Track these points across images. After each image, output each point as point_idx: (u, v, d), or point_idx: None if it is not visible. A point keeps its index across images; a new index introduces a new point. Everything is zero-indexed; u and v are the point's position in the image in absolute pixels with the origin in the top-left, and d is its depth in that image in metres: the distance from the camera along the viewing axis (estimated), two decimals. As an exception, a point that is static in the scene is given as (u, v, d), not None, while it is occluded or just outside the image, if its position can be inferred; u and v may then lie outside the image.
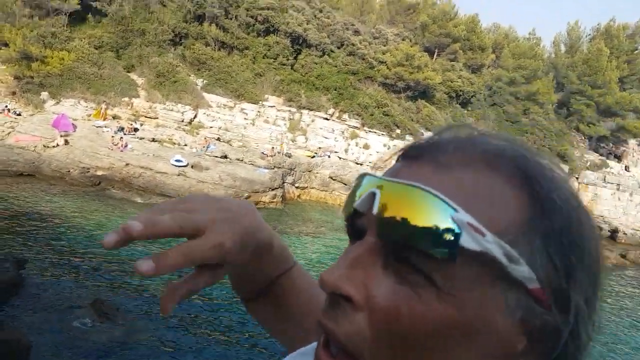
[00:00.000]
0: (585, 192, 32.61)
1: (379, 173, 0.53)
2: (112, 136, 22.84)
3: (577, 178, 32.77)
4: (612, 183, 33.20)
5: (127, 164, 21.84)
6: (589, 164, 34.13)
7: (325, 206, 25.43)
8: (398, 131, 29.68)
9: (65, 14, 27.01)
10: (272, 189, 22.75)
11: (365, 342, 0.46)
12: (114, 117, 24.90)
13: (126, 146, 22.53)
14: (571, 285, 0.46)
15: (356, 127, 29.41)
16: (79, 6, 27.20)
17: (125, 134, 23.53)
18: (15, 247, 13.81)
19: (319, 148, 27.80)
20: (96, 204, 18.94)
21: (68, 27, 27.03)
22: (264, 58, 30.04)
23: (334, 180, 26.29)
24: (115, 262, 14.28)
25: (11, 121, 22.00)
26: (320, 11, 32.19)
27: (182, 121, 26.34)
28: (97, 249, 14.91)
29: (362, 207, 0.50)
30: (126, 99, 25.86)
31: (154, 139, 24.34)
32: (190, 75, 27.92)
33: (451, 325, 0.45)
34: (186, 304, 13.39)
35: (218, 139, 26.17)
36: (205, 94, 27.66)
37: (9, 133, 21.44)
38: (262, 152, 25.44)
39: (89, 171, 21.22)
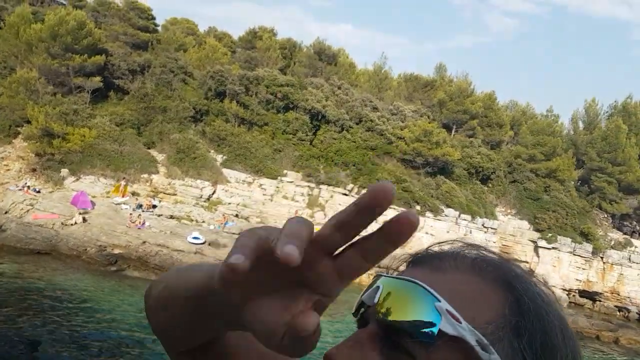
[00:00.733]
0: (610, 271, 31.49)
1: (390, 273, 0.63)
2: (131, 214, 22.50)
3: (601, 257, 31.76)
4: (637, 263, 32.07)
5: (143, 242, 21.37)
6: (613, 242, 33.13)
7: (345, 285, 24.56)
8: (418, 207, 29.13)
9: (88, 92, 27.49)
10: (291, 268, 21.99)
11: None
12: (133, 194, 24.66)
13: (144, 224, 22.14)
14: None
15: (375, 204, 28.93)
16: (101, 84, 27.77)
17: (143, 211, 23.19)
18: (30, 327, 13.36)
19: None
20: (112, 284, 18.41)
21: (90, 105, 27.43)
22: (283, 134, 30.16)
23: (353, 258, 25.52)
24: (130, 344, 13.65)
25: (31, 199, 21.81)
26: (339, 88, 32.65)
27: (201, 197, 26.04)
28: (113, 332, 14.32)
29: (368, 300, 0.59)
30: (145, 175, 25.73)
31: (172, 215, 23.98)
32: (210, 151, 27.94)
33: None
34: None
35: (236, 215, 25.74)
36: (224, 170, 27.54)
37: (28, 210, 21.20)
38: (281, 230, 24.88)
39: (105, 249, 20.74)
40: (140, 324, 15.18)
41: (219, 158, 28.04)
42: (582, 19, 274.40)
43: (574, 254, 30.96)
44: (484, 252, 0.61)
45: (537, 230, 31.56)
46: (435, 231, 28.82)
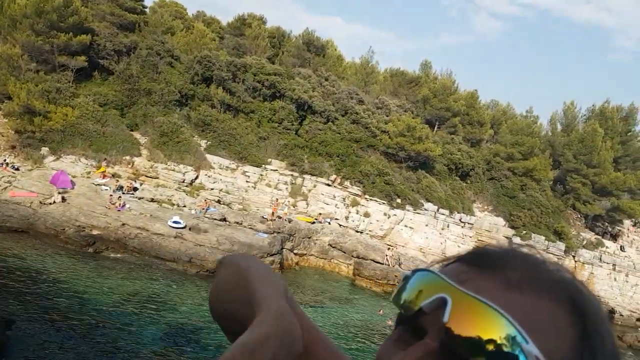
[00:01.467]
0: (581, 270, 32.35)
1: (437, 269, 0.57)
2: (111, 195, 22.33)
3: (573, 256, 32.61)
4: (608, 263, 33.04)
5: (123, 224, 21.21)
6: (585, 242, 34.05)
7: (323, 274, 24.80)
8: (399, 200, 29.54)
9: (72, 71, 27.05)
10: (271, 255, 22.12)
11: None
12: (114, 176, 24.47)
13: (124, 206, 21.98)
14: None
15: (357, 195, 29.25)
16: (86, 63, 27.35)
17: (124, 193, 23.04)
18: (4, 306, 13.23)
19: (320, 214, 27.44)
20: (88, 265, 18.26)
21: (74, 84, 27.03)
22: (269, 122, 30.21)
23: (333, 247, 25.79)
24: (107, 326, 13.65)
25: (9, 176, 21.48)
26: (326, 79, 32.78)
27: (183, 182, 25.97)
28: (89, 312, 14.29)
29: (429, 308, 0.53)
30: (127, 157, 25.54)
31: (153, 199, 23.85)
32: (194, 136, 27.83)
33: None
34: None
35: (218, 201, 25.74)
36: (208, 155, 27.48)
37: (5, 188, 20.86)
38: (263, 216, 24.99)
39: (84, 230, 20.50)
40: (115, 305, 15.17)
41: (203, 143, 27.97)
42: (565, 23, 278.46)
43: (547, 252, 31.73)
44: (552, 265, 0.57)
45: (512, 227, 32.28)
46: (415, 224, 29.28)
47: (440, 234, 29.83)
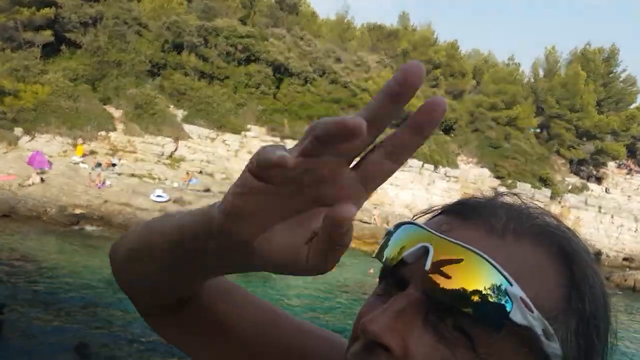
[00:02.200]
0: (567, 215, 32.73)
1: (421, 222, 0.56)
2: (90, 172, 21.96)
3: (559, 202, 32.92)
4: (593, 206, 33.43)
5: (105, 201, 21.01)
6: (570, 187, 34.36)
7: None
8: (382, 159, 29.37)
9: (38, 46, 26.20)
10: (257, 223, 22.07)
11: None
12: (91, 152, 23.99)
13: (104, 183, 21.67)
14: None
15: (340, 156, 29.05)
16: (52, 38, 26.48)
17: (102, 170, 22.66)
18: None
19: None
20: (75, 244, 18.16)
21: (41, 60, 26.19)
22: (245, 87, 29.58)
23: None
24: (98, 304, 13.66)
25: (-18, 160, 20.97)
26: (301, 39, 31.97)
27: (162, 154, 25.54)
28: (79, 291, 14.28)
29: (410, 258, 0.51)
30: (103, 132, 24.99)
31: (133, 174, 23.49)
32: (169, 107, 27.23)
33: None
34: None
35: (200, 172, 25.44)
36: (185, 125, 26.97)
37: (-20, 173, 20.43)
38: (246, 185, 24.79)
39: (66, 210, 20.30)
40: (105, 281, 15.12)
41: (179, 113, 27.39)
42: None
43: (533, 199, 31.54)
44: (538, 211, 0.56)
45: (498, 178, 32.38)
46: (400, 182, 29.21)
47: (427, 189, 29.84)
